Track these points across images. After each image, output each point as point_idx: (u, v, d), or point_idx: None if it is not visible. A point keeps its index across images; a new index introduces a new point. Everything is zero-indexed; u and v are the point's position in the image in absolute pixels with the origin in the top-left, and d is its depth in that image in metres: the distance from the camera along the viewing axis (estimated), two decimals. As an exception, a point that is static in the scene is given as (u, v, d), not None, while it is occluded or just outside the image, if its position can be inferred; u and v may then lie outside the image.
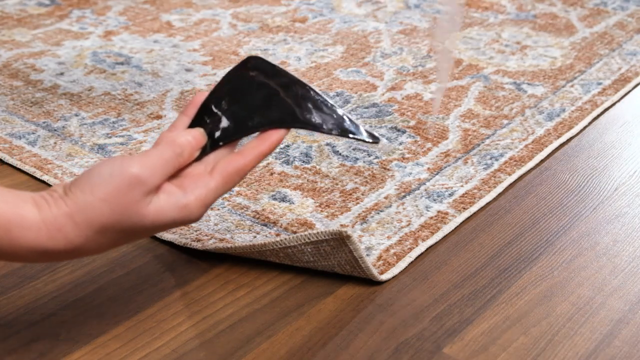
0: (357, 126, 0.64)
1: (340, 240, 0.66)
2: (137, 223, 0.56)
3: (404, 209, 0.79)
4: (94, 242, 0.56)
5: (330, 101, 0.64)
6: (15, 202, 0.54)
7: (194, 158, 0.62)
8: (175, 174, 0.60)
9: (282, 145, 0.90)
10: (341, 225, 0.77)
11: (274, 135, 0.63)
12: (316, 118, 0.64)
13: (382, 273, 0.70)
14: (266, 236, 0.75)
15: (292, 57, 1.15)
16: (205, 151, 0.63)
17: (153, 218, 0.57)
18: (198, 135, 0.62)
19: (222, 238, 0.74)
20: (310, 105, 0.64)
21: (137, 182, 0.55)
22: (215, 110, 0.64)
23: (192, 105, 0.65)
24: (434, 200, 0.81)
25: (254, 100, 0.64)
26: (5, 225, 0.53)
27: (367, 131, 0.64)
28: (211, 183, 0.60)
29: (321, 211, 0.79)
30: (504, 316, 0.65)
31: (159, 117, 0.97)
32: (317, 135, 0.93)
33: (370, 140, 0.64)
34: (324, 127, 0.64)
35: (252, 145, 0.62)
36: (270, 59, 1.14)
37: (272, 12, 1.33)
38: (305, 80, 0.69)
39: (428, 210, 0.79)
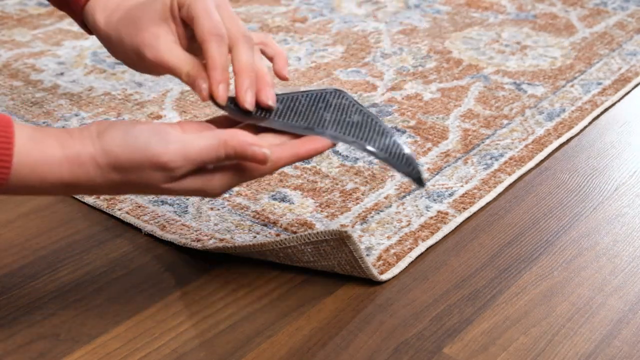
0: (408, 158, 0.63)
1: (340, 240, 0.66)
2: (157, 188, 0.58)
3: (404, 209, 0.79)
4: (114, 185, 0.58)
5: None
6: (40, 139, 0.56)
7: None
8: None
9: (282, 145, 0.90)
10: (341, 225, 0.77)
11: (317, 142, 0.61)
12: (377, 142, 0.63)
13: (382, 273, 0.70)
14: (266, 236, 0.75)
15: (292, 57, 1.15)
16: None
17: (175, 191, 0.59)
18: (260, 154, 0.58)
19: (222, 238, 0.74)
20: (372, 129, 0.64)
21: (162, 168, 0.57)
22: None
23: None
24: (434, 200, 0.81)
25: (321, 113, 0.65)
26: (32, 164, 0.56)
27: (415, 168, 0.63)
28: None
29: (321, 211, 0.79)
30: (504, 316, 0.65)
31: (159, 117, 0.97)
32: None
33: (416, 182, 0.63)
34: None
35: (292, 144, 0.61)
36: (270, 59, 1.14)
37: (272, 12, 1.33)
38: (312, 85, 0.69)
39: (428, 210, 0.79)
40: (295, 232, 0.75)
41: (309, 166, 0.86)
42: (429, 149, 0.90)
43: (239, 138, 0.57)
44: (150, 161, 0.56)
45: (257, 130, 0.62)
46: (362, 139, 0.62)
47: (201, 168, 0.59)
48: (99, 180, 0.57)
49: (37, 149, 0.56)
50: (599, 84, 1.07)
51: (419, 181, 0.62)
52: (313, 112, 0.64)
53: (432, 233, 0.76)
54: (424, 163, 0.87)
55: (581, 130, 0.96)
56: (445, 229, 0.76)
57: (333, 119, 0.63)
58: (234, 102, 0.62)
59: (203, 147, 0.57)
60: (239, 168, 0.60)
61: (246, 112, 0.62)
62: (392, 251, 0.73)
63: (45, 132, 0.57)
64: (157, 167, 0.57)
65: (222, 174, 0.60)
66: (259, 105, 0.63)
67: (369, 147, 0.62)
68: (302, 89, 0.66)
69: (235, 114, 0.62)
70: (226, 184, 0.60)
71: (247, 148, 0.57)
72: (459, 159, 0.89)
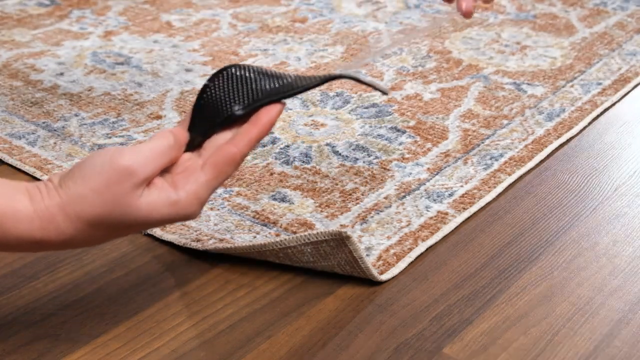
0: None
1: (340, 240, 0.66)
2: (129, 215, 0.56)
3: (403, 209, 0.79)
4: (86, 233, 0.56)
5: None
6: (9, 194, 0.55)
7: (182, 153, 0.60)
8: (168, 170, 0.60)
9: (282, 145, 0.90)
10: (341, 225, 0.77)
11: (264, 117, 0.60)
12: (302, 80, 0.62)
13: (382, 273, 0.70)
14: (266, 236, 0.75)
15: (292, 57, 1.15)
16: (192, 144, 0.61)
17: (145, 212, 0.56)
18: (178, 130, 0.61)
19: (222, 238, 0.74)
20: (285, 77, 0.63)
21: (127, 173, 0.55)
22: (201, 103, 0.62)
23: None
24: (434, 200, 0.81)
25: (242, 89, 0.62)
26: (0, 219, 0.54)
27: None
28: (202, 177, 0.58)
29: (321, 211, 0.79)
30: (503, 316, 0.65)
31: (158, 117, 0.97)
32: (317, 135, 0.93)
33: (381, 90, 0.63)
34: (312, 82, 0.62)
35: (242, 131, 0.60)
36: (270, 59, 1.15)
37: (272, 12, 1.33)
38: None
39: (428, 211, 0.79)
40: (295, 232, 0.75)
41: (309, 166, 0.86)
42: (429, 149, 0.90)
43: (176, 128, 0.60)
44: (110, 172, 0.55)
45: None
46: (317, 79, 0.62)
47: (167, 179, 0.58)
48: (71, 231, 0.55)
49: (6, 204, 0.55)
50: (599, 84, 1.07)
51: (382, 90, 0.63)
52: (258, 84, 0.62)
53: (432, 233, 0.76)
54: (424, 163, 0.87)
55: (581, 131, 0.96)
56: (445, 229, 0.76)
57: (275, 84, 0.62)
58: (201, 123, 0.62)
59: (151, 142, 0.58)
60: (204, 171, 0.59)
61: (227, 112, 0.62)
62: (392, 251, 0.73)
63: (15, 187, 0.56)
64: (119, 174, 0.55)
65: (189, 182, 0.58)
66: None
67: (337, 73, 0.62)
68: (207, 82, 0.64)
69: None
70: (195, 192, 0.58)
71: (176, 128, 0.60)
72: (459, 159, 0.89)
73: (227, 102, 0.61)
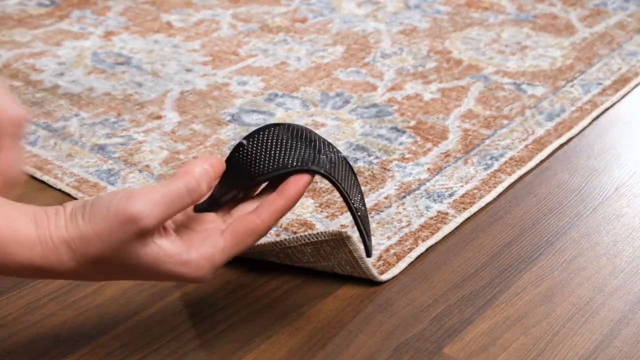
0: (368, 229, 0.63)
1: (340, 240, 0.66)
2: (133, 262, 0.54)
3: (404, 209, 0.79)
4: (89, 270, 0.54)
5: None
6: (14, 216, 0.53)
7: (207, 192, 0.56)
8: (189, 225, 0.57)
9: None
10: (341, 225, 0.77)
11: (291, 188, 0.57)
12: (345, 182, 0.60)
13: (382, 273, 0.70)
14: (266, 236, 0.74)
15: (292, 57, 1.15)
16: (216, 201, 0.59)
17: (150, 262, 0.54)
18: (215, 162, 0.56)
19: (222, 238, 0.74)
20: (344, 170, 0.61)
21: (130, 221, 0.52)
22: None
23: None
24: (434, 200, 0.81)
25: (274, 152, 0.58)
26: (0, 241, 0.52)
27: (369, 242, 0.63)
28: (220, 243, 0.56)
29: (321, 211, 0.79)
30: (504, 316, 0.65)
31: (159, 117, 0.97)
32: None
33: (365, 251, 0.63)
34: (350, 195, 0.59)
35: (268, 201, 0.57)
36: (270, 59, 1.14)
37: (272, 12, 1.33)
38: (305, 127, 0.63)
39: (428, 211, 0.79)
40: (295, 232, 0.75)
41: (309, 166, 0.86)
42: (429, 149, 0.90)
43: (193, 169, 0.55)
44: (115, 217, 0.52)
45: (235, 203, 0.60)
46: (346, 187, 0.60)
47: (184, 235, 0.56)
48: (73, 265, 0.53)
49: (9, 227, 0.52)
50: (599, 84, 1.07)
51: (368, 250, 0.63)
52: (291, 149, 0.58)
53: (432, 233, 0.76)
54: (424, 163, 0.87)
55: (581, 131, 0.96)
56: (445, 229, 0.76)
57: (312, 155, 0.59)
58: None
59: (167, 185, 0.54)
60: (224, 237, 0.56)
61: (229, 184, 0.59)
62: (392, 251, 0.73)
63: (21, 210, 0.53)
64: (122, 222, 0.52)
65: (205, 245, 0.55)
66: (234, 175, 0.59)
67: (355, 204, 0.60)
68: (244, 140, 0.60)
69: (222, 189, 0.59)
70: (209, 256, 0.55)
71: (205, 159, 0.56)
72: (459, 159, 0.89)
73: (257, 164, 0.58)
